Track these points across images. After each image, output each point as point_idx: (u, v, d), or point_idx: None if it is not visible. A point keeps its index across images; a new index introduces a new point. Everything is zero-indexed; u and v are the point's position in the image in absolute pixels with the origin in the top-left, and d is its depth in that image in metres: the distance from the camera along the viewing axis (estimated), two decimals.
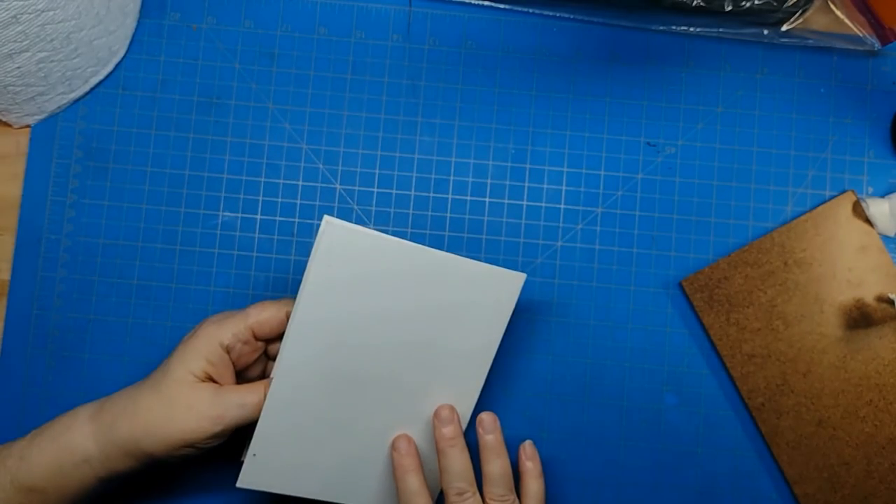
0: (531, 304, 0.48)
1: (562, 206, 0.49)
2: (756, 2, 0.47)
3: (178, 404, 0.38)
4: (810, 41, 0.49)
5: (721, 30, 0.49)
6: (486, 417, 0.44)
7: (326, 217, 0.39)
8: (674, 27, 0.49)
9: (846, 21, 0.49)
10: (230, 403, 0.39)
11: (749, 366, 0.48)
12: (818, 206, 0.49)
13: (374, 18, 0.50)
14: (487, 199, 0.49)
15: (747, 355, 0.48)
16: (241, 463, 0.42)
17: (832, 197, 0.49)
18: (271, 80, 0.49)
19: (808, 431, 0.47)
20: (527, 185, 0.49)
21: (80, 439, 0.39)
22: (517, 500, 0.43)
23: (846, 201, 0.49)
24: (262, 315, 0.41)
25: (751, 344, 0.48)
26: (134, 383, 0.41)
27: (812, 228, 0.48)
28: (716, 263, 0.48)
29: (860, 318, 0.48)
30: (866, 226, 0.48)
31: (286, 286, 0.48)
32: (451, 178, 0.49)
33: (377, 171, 0.49)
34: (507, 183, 0.49)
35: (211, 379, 0.40)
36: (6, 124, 0.49)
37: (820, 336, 0.48)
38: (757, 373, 0.48)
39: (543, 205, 0.49)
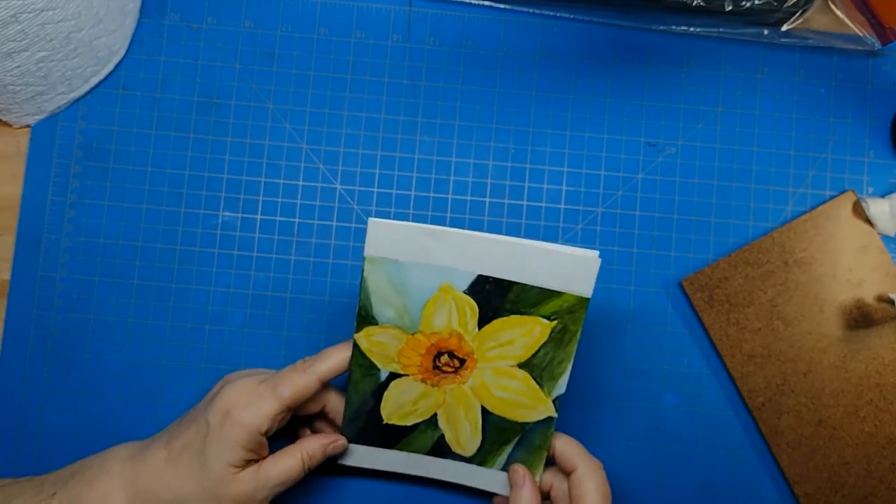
0: None
1: (562, 206, 0.49)
2: (756, 2, 0.47)
3: (225, 500, 0.39)
4: (810, 41, 0.49)
5: (721, 30, 0.49)
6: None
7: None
8: (674, 27, 0.49)
9: (846, 21, 0.49)
10: (273, 482, 0.39)
11: (749, 366, 0.48)
12: (818, 206, 0.49)
13: (374, 18, 0.50)
14: (487, 199, 0.49)
15: (747, 355, 0.48)
16: None
17: (832, 197, 0.49)
18: (271, 80, 0.49)
19: (808, 431, 0.47)
20: (527, 185, 0.49)
21: None
22: None
23: (846, 201, 0.49)
24: (296, 389, 0.40)
25: (751, 344, 0.48)
26: (162, 458, 0.40)
27: (812, 228, 0.48)
28: (716, 263, 0.48)
29: (860, 318, 0.48)
30: (866, 226, 0.48)
31: (286, 286, 0.48)
32: (451, 178, 0.49)
33: (377, 171, 0.49)
34: (507, 183, 0.49)
35: (251, 460, 0.40)
36: (6, 124, 0.49)
37: (820, 336, 0.48)
38: (757, 373, 0.48)
39: (543, 205, 0.49)
